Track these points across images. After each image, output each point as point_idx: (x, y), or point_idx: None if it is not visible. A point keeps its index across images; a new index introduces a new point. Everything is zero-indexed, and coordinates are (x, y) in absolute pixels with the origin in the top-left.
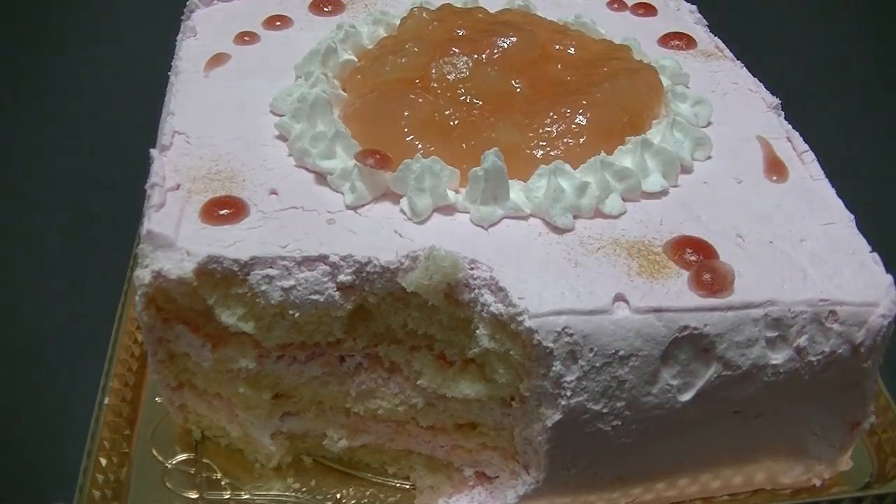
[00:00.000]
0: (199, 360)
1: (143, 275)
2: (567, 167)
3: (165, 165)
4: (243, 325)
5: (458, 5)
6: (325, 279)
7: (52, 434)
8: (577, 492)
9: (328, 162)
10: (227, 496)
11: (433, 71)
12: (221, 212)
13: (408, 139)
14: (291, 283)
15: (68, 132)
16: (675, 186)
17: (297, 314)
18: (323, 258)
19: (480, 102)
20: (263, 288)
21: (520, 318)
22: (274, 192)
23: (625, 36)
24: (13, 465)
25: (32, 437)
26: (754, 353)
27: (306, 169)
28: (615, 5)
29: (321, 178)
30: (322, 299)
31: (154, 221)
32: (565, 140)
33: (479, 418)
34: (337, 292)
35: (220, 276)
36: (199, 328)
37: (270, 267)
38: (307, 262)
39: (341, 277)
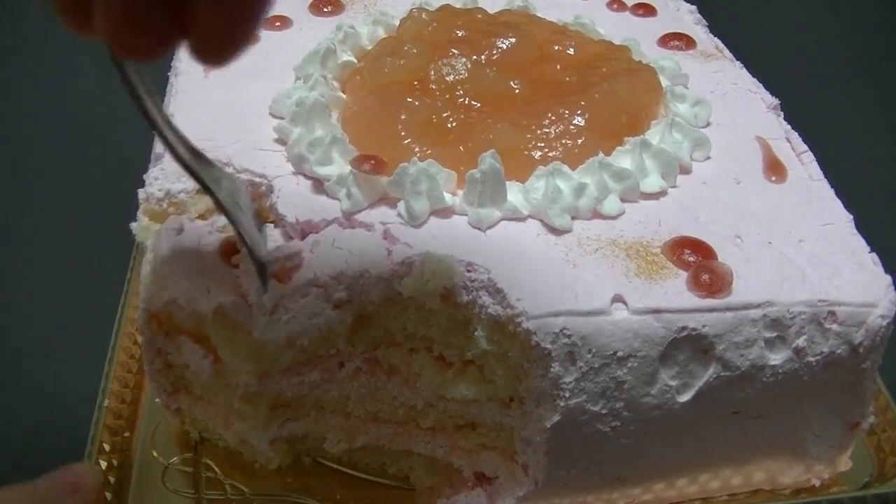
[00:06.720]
0: (199, 370)
1: (155, 298)
2: (565, 168)
3: (164, 169)
4: (245, 365)
5: (458, 6)
6: (320, 301)
7: (51, 437)
8: (576, 492)
9: (325, 168)
10: (227, 496)
11: (432, 72)
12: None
13: (405, 142)
14: (289, 314)
15: (68, 132)
16: (673, 187)
17: (304, 342)
18: (313, 282)
19: (479, 104)
20: (269, 336)
21: (518, 320)
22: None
23: (624, 36)
24: (13, 469)
25: (33, 441)
26: (753, 354)
27: (304, 175)
28: (615, 6)
29: (319, 184)
30: (322, 321)
31: (176, 246)
32: (563, 141)
33: (478, 419)
34: (335, 310)
35: (231, 321)
36: (201, 340)
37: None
38: (298, 288)
39: (337, 295)
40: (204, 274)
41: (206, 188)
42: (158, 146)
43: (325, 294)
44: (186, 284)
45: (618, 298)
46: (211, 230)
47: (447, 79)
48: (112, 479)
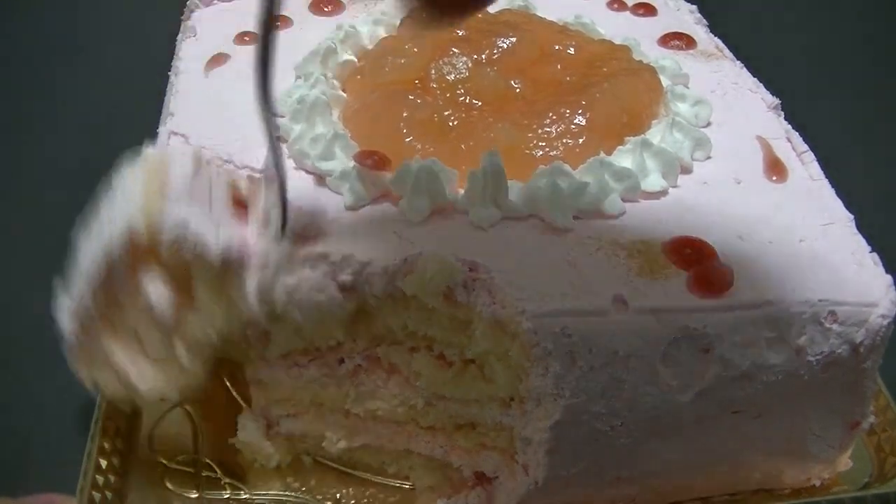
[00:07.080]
0: (158, 310)
1: (162, 217)
2: (566, 167)
3: None
4: (217, 316)
5: None
6: (327, 278)
7: (51, 437)
8: (576, 492)
9: (327, 163)
10: (227, 496)
11: (432, 72)
12: None
13: (407, 140)
14: (294, 280)
15: (68, 132)
16: (674, 187)
17: (300, 316)
18: (324, 256)
19: (480, 103)
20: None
21: (518, 319)
22: None
23: (625, 36)
24: (12, 468)
25: (32, 439)
26: (753, 354)
27: (305, 171)
28: (615, 5)
29: (320, 179)
30: (324, 298)
31: (189, 174)
32: (564, 140)
33: (478, 418)
34: (338, 292)
35: (227, 267)
36: (172, 279)
37: None
38: (309, 259)
39: (342, 277)
40: (214, 212)
41: (272, 143)
42: (164, 136)
43: (332, 272)
44: (198, 212)
45: (619, 298)
46: (218, 175)
47: (448, 78)
48: (112, 479)
